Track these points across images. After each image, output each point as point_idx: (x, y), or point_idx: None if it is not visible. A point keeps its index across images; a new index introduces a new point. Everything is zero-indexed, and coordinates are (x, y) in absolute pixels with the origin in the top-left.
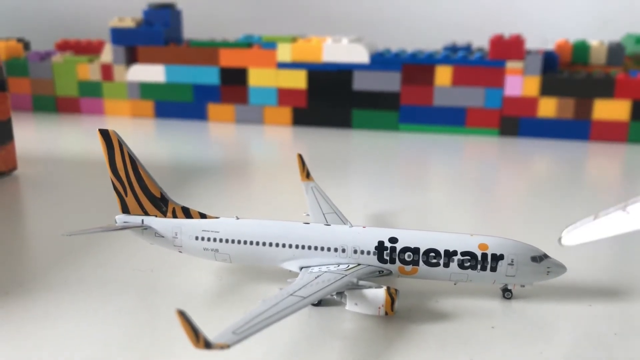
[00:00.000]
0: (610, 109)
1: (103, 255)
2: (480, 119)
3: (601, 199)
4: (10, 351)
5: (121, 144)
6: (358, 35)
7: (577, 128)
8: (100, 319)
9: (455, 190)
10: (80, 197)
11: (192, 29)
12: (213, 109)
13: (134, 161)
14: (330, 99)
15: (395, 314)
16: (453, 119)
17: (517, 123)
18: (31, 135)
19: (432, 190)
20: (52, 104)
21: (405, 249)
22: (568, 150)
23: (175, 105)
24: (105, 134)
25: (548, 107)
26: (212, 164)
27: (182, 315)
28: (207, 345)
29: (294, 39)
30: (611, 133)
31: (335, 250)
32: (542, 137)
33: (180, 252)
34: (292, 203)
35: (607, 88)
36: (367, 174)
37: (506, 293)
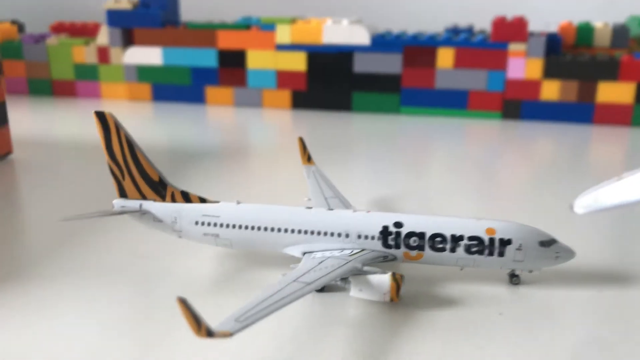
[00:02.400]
0: (614, 92)
1: (100, 241)
2: (482, 102)
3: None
4: (8, 340)
5: (118, 127)
6: (358, 17)
7: (580, 111)
8: (98, 306)
9: (457, 174)
10: (77, 181)
11: (189, 10)
12: (211, 92)
13: (131, 144)
14: (330, 82)
15: (400, 300)
16: (455, 102)
17: (519, 106)
18: (27, 119)
19: (433, 174)
20: (47, 87)
21: (410, 234)
22: (571, 133)
23: (173, 88)
24: (101, 116)
25: (551, 90)
26: (210, 147)
27: (183, 303)
28: (209, 333)
29: (293, 21)
30: (615, 116)
31: (339, 235)
32: (544, 120)
33: (179, 237)
34: (292, 187)
35: (611, 70)
36: (368, 157)
37: (513, 279)
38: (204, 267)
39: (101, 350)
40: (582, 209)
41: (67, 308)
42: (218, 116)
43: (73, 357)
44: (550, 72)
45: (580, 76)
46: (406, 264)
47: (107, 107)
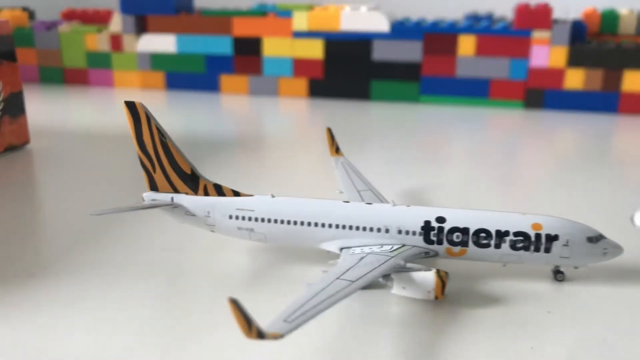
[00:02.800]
0: None
1: (128, 235)
2: (504, 90)
3: (632, 174)
4: (39, 337)
5: (149, 117)
6: (376, 3)
7: (605, 100)
8: (130, 302)
9: (480, 165)
10: (96, 172)
11: None
12: (226, 80)
13: (162, 135)
14: (348, 70)
15: (444, 298)
16: (476, 91)
17: (542, 95)
18: (40, 108)
19: (456, 165)
20: (59, 76)
21: (453, 229)
22: (596, 123)
23: (187, 76)
24: (131, 106)
25: (575, 79)
26: (225, 137)
27: (235, 303)
28: (260, 335)
29: (310, 7)
30: None
31: (379, 230)
32: (568, 109)
33: (212, 231)
34: (313, 179)
35: (637, 58)
36: (387, 148)
37: (558, 275)
38: (237, 262)
39: (137, 348)
40: None
41: (99, 304)
42: (233, 105)
43: (108, 356)
44: (574, 60)
45: (606, 64)
46: (444, 259)
47: (119, 95)
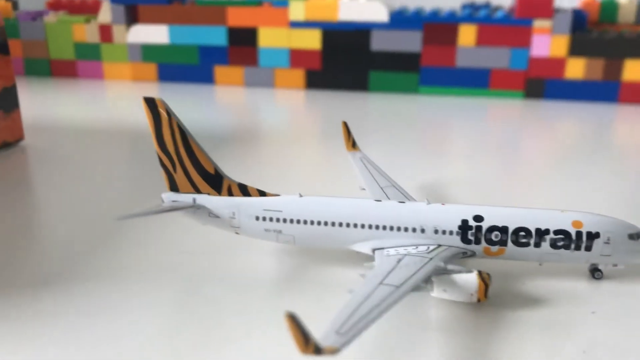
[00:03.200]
0: None
1: (144, 238)
2: (504, 80)
3: (632, 162)
4: (62, 349)
5: (170, 115)
6: None
7: (606, 90)
8: (155, 311)
9: (483, 158)
10: (97, 169)
11: None
12: (220, 71)
13: (184, 133)
14: (346, 61)
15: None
16: (476, 81)
17: (543, 85)
18: (28, 102)
19: (459, 158)
20: (46, 68)
21: (492, 228)
22: (596, 113)
23: (180, 68)
24: (151, 103)
25: (576, 68)
26: (221, 131)
27: (293, 318)
28: (317, 350)
29: None
30: None
31: (414, 230)
32: (569, 99)
33: (237, 233)
34: (319, 174)
35: (638, 48)
36: (387, 141)
37: (596, 273)
38: (264, 266)
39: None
40: None
41: (119, 312)
42: (228, 97)
43: None
44: (575, 49)
45: (607, 54)
46: (480, 259)
47: (110, 87)
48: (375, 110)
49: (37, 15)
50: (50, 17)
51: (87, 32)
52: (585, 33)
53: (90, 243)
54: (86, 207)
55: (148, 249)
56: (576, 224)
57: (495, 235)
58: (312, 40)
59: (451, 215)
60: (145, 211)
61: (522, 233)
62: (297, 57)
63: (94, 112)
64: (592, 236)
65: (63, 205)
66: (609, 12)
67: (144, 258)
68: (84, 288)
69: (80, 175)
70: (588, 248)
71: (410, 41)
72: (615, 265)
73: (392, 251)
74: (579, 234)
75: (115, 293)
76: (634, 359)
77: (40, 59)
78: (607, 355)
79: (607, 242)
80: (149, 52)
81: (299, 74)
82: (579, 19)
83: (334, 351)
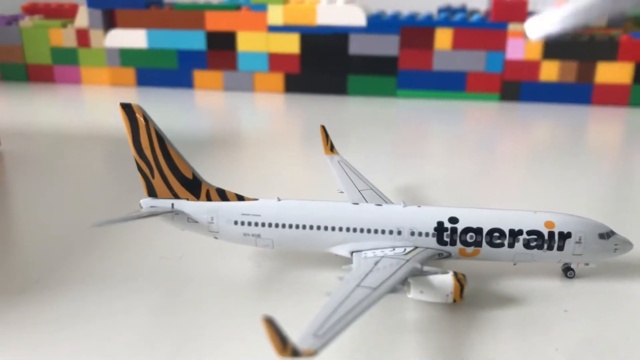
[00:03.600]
0: (612, 72)
1: (123, 244)
2: (480, 83)
3: (604, 163)
4: (40, 355)
5: (147, 120)
6: None
7: (579, 92)
8: (135, 317)
9: (461, 159)
10: (75, 175)
11: None
12: (199, 76)
13: (161, 139)
14: (324, 64)
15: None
16: (453, 84)
17: (518, 87)
18: (5, 108)
19: (436, 160)
20: (22, 73)
21: (467, 230)
22: (570, 114)
23: (159, 72)
24: (128, 108)
25: (550, 71)
26: (201, 135)
27: (270, 322)
28: (295, 353)
29: (285, 1)
30: (613, 97)
31: (390, 232)
32: (543, 101)
33: (215, 237)
34: (299, 178)
35: (610, 51)
36: (366, 142)
37: (569, 272)
38: (243, 270)
39: None
40: (536, 32)
41: (97, 319)
42: (207, 101)
43: None
44: (549, 52)
45: (580, 56)
46: (455, 260)
47: (88, 92)
48: (353, 114)
49: (12, 20)
50: (26, 22)
51: (64, 37)
52: (558, 36)
53: (68, 249)
54: (64, 213)
55: (127, 255)
56: (548, 224)
57: (470, 237)
58: (290, 44)
59: (427, 218)
60: (123, 217)
61: (496, 234)
62: (276, 61)
63: (71, 117)
64: (564, 236)
65: (41, 211)
66: None
67: (123, 264)
68: (63, 294)
69: (58, 181)
70: (560, 248)
71: (387, 45)
72: (587, 264)
73: (369, 253)
74: (551, 234)
75: (95, 298)
76: (605, 355)
77: (16, 64)
78: (578, 352)
79: (578, 242)
80: (127, 56)
81: (278, 78)
82: None
83: (312, 353)
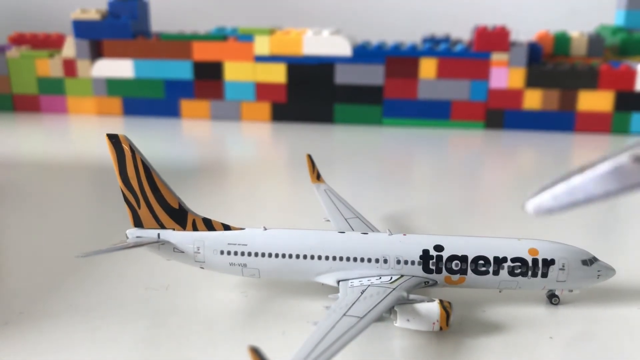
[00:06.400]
0: (594, 100)
1: (109, 274)
2: (465, 112)
3: None
4: None
5: (133, 151)
6: (336, 27)
7: (562, 119)
8: (119, 348)
9: (446, 187)
10: (60, 205)
11: (160, 21)
12: (186, 105)
13: (148, 169)
14: (311, 94)
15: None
16: (438, 113)
17: (502, 115)
18: None
19: (422, 188)
20: (8, 103)
21: (452, 257)
22: (554, 142)
23: (145, 101)
24: (114, 139)
25: (533, 99)
26: (189, 165)
27: (256, 352)
28: None
29: (271, 31)
30: (595, 124)
31: (377, 261)
32: (527, 129)
33: (202, 267)
34: (287, 207)
35: (591, 79)
36: (352, 171)
37: (553, 299)
38: (227, 299)
39: None
40: (538, 209)
41: (82, 352)
42: (194, 130)
43: None
44: (532, 81)
45: (562, 85)
46: (441, 288)
47: (74, 122)
48: (340, 142)
49: None
50: (13, 52)
51: (50, 67)
52: (540, 65)
53: (53, 280)
54: (49, 244)
55: (112, 285)
56: (532, 251)
57: (455, 264)
58: (277, 73)
59: (412, 246)
60: (109, 248)
61: (481, 262)
62: (262, 90)
63: (57, 147)
64: (548, 263)
65: (26, 241)
66: (562, 45)
67: (108, 294)
68: (47, 325)
69: (43, 211)
70: (544, 275)
71: (373, 74)
72: (570, 290)
73: (356, 282)
74: (535, 261)
75: (79, 329)
76: None
77: (2, 94)
78: None
79: (562, 269)
80: (113, 86)
81: (265, 107)
82: (534, 52)
83: None
